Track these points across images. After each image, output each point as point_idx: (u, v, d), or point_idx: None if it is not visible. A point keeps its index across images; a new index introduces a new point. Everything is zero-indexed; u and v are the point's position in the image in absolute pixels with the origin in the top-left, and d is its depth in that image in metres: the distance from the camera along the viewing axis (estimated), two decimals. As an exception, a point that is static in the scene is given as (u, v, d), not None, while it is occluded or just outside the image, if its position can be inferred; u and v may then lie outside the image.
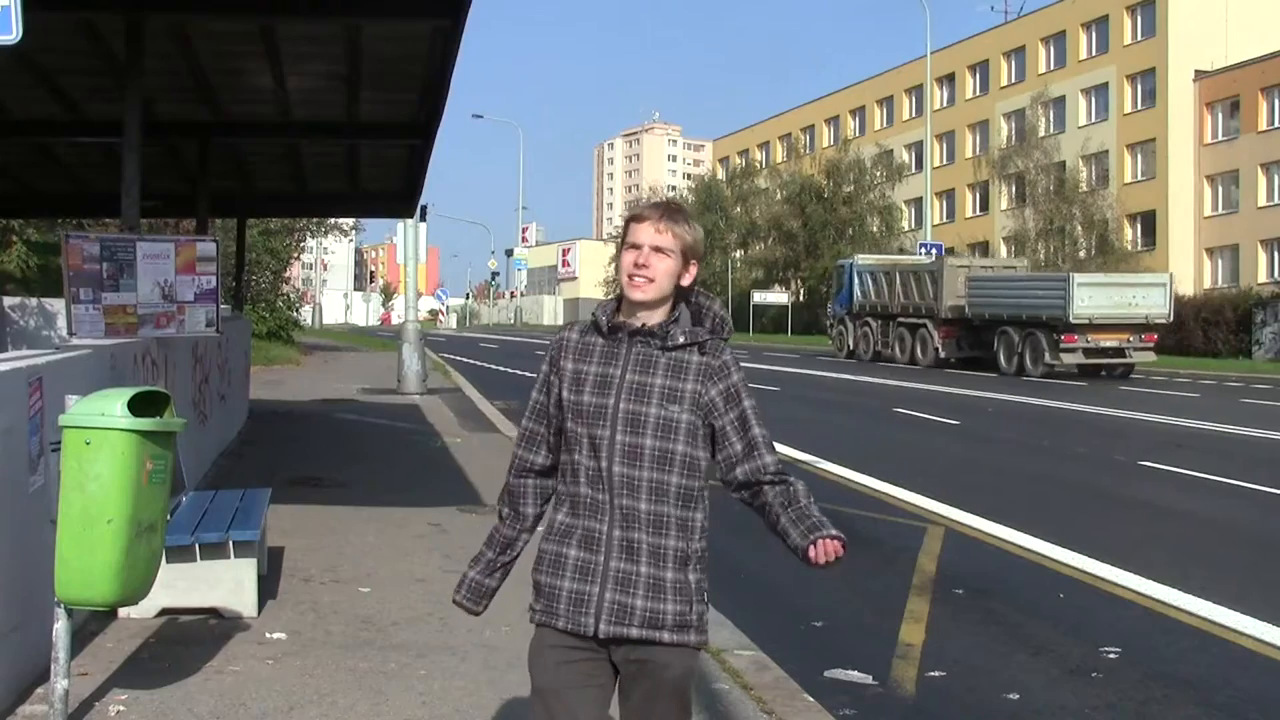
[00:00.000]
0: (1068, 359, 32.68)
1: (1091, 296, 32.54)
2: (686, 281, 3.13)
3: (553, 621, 3.07)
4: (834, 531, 3.06)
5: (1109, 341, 32.76)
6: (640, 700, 3.10)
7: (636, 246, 3.08)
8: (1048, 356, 32.79)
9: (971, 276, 36.90)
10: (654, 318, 3.11)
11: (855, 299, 41.82)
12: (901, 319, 39.11)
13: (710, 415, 3.10)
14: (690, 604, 3.07)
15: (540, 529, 3.25)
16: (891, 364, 38.26)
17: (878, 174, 64.94)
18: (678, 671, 3.09)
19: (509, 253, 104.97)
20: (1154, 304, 33.13)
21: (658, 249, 3.07)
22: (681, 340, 3.11)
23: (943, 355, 37.12)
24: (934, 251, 47.83)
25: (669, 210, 3.13)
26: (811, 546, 3.03)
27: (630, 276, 3.08)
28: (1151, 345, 33.30)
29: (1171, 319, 34.29)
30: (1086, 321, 32.22)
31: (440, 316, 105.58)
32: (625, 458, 3.04)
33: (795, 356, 43.90)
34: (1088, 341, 32.46)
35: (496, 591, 3.32)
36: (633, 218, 3.15)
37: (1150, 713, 5.67)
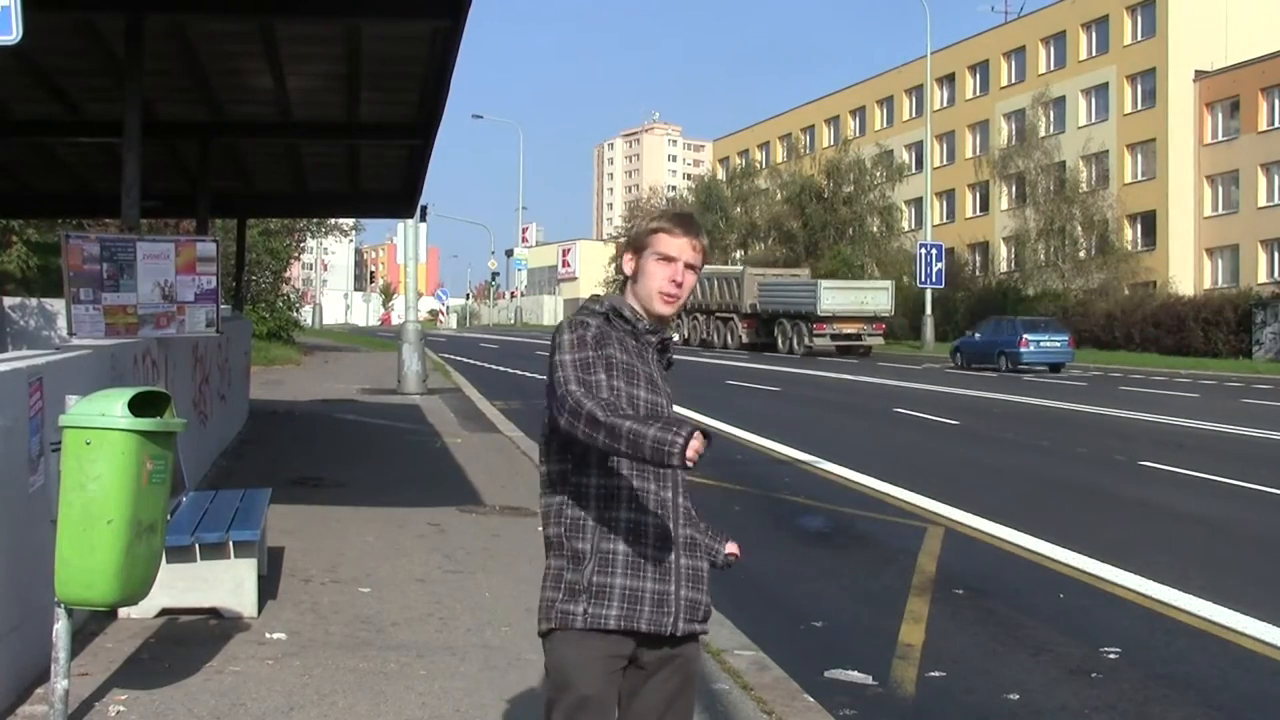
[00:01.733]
0: (819, 342, 44.59)
1: (834, 297, 44.53)
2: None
3: (635, 625, 2.96)
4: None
5: (849, 329, 44.54)
6: (665, 693, 3.06)
7: (670, 260, 3.06)
8: (807, 340, 44.69)
9: (761, 283, 48.54)
10: (663, 327, 3.16)
11: (688, 299, 51.65)
12: (717, 314, 50.37)
13: None
14: None
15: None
16: (713, 349, 48.91)
17: (878, 174, 64.81)
18: (700, 659, 3.23)
19: (509, 253, 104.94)
20: (880, 303, 45.32)
21: (690, 266, 3.08)
22: (670, 354, 3.24)
23: (745, 341, 48.04)
24: (933, 251, 48.12)
25: (698, 226, 3.13)
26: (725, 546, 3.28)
27: (663, 292, 3.07)
28: (881, 333, 45.81)
29: (893, 313, 46.55)
30: (831, 315, 44.16)
31: (440, 317, 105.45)
32: None
33: (794, 356, 44.01)
34: (834, 329, 44.41)
35: None
36: (664, 230, 3.08)
37: (1150, 713, 5.66)
